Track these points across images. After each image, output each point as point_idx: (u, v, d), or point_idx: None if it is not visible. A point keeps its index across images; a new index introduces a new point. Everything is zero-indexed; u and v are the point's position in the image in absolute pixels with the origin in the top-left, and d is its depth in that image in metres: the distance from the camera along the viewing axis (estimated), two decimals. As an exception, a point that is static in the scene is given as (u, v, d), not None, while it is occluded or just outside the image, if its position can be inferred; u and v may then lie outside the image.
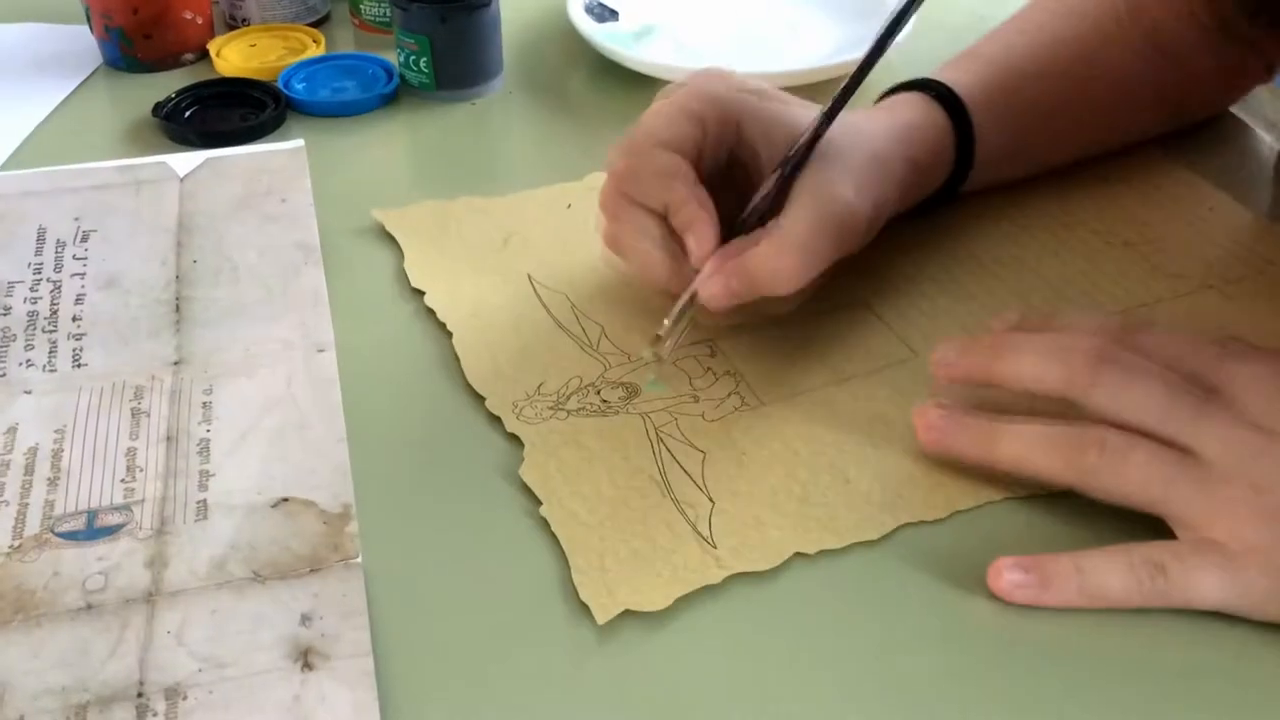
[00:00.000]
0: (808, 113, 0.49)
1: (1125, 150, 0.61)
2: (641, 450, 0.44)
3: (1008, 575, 0.39)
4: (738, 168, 0.49)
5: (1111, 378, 0.40)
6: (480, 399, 0.47)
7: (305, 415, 0.45)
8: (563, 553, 0.40)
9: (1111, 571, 0.38)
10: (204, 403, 0.46)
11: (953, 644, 0.38)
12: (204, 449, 0.44)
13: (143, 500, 0.41)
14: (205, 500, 0.41)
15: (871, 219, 0.48)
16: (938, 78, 0.54)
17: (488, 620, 0.39)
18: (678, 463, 0.44)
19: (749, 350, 0.49)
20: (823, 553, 0.40)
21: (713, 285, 0.45)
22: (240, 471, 0.42)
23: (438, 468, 0.44)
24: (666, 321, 0.46)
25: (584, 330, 0.50)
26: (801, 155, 0.46)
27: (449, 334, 0.50)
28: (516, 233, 0.57)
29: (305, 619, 0.37)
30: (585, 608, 0.38)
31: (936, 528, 0.41)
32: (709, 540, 0.40)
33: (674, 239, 0.46)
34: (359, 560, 0.39)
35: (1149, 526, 0.39)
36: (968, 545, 0.41)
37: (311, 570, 0.39)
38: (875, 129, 0.50)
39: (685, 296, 0.46)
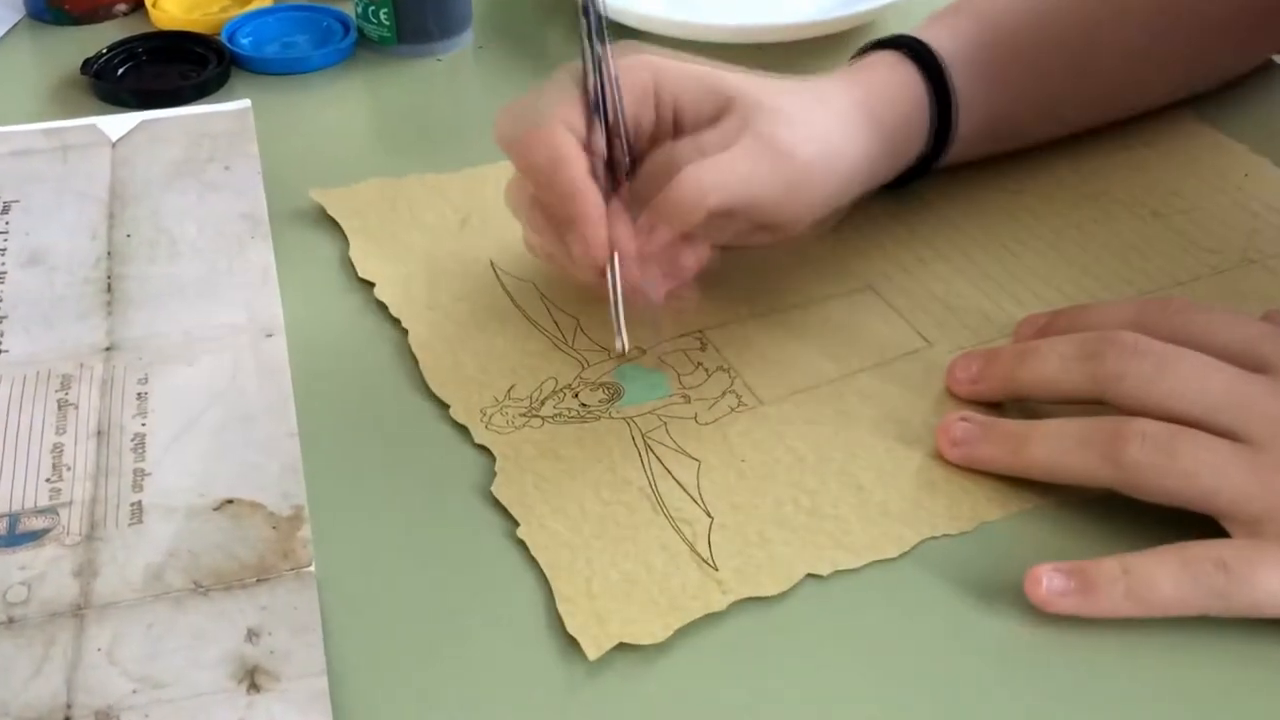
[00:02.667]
0: (741, 75, 0.47)
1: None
2: (628, 460, 0.44)
3: (1047, 582, 0.38)
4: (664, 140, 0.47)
5: (1142, 366, 0.40)
6: (419, 397, 0.46)
7: (252, 407, 0.44)
8: (544, 575, 0.40)
9: (1163, 572, 0.38)
10: (139, 393, 0.45)
11: (985, 671, 0.37)
12: (139, 445, 0.43)
13: (70, 502, 0.41)
14: (140, 502, 0.41)
15: (824, 175, 0.47)
16: (918, 35, 0.53)
17: (459, 641, 0.38)
18: (669, 473, 0.43)
19: (742, 343, 0.49)
20: (837, 572, 0.40)
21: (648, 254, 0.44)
22: (179, 470, 0.42)
23: (402, 468, 0.44)
24: (614, 324, 0.45)
25: (557, 324, 0.50)
26: (600, 87, 0.45)
27: (404, 331, 0.49)
28: (475, 213, 0.56)
29: (252, 634, 0.37)
30: (572, 638, 0.37)
31: (961, 541, 0.41)
32: (709, 561, 0.40)
33: None
34: (312, 569, 0.38)
35: (1198, 532, 0.39)
36: (997, 560, 0.40)
37: (259, 580, 0.38)
38: (834, 87, 0.50)
39: (612, 290, 0.44)
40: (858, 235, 0.54)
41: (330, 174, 0.58)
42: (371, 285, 0.51)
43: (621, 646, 0.37)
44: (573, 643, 0.37)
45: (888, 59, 0.52)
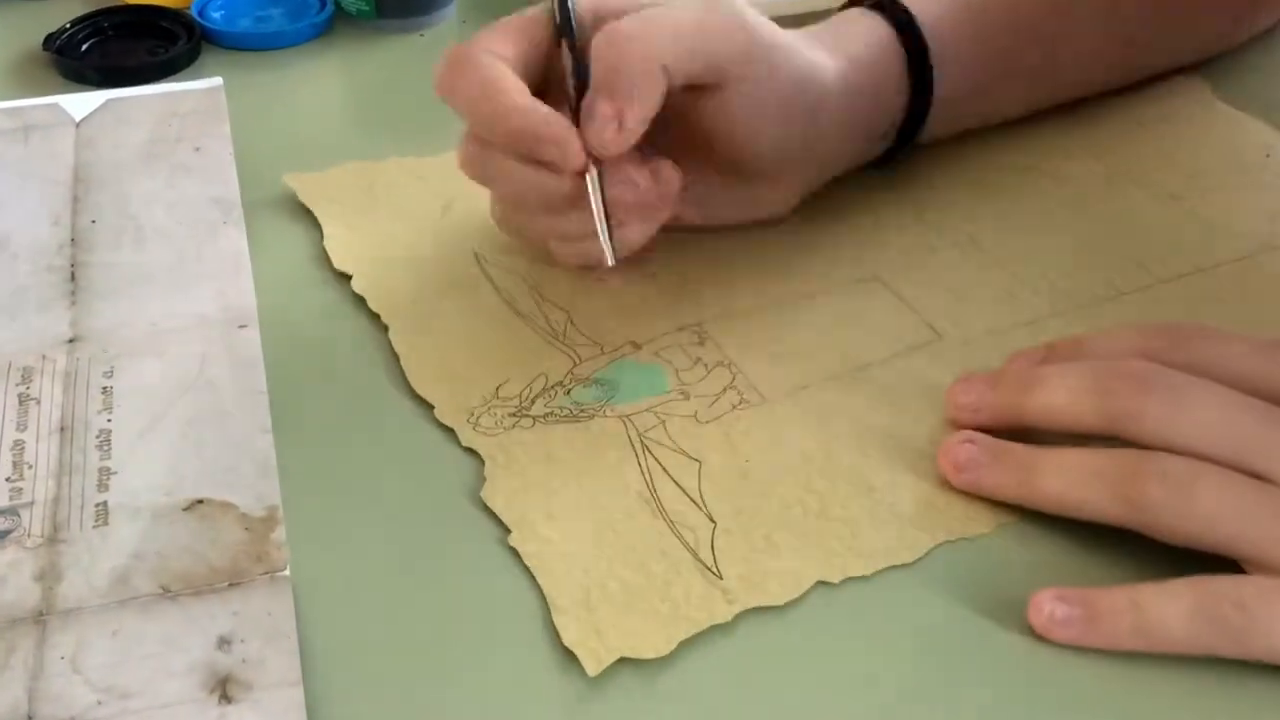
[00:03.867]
0: (687, 12, 0.46)
1: (1164, 84, 0.60)
2: (625, 462, 0.43)
3: (1050, 610, 0.38)
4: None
5: (1161, 404, 0.39)
6: (403, 396, 0.46)
7: (224, 402, 0.44)
8: (539, 585, 0.39)
9: (1176, 609, 0.37)
10: (104, 387, 0.45)
11: (1009, 684, 0.37)
12: (104, 442, 0.43)
13: (32, 503, 0.41)
14: (106, 502, 0.41)
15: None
16: None
17: (446, 653, 0.37)
18: (669, 475, 0.43)
19: (743, 336, 0.48)
20: (849, 579, 0.39)
21: (594, 134, 0.43)
22: (147, 468, 0.42)
23: (384, 468, 0.43)
24: (600, 235, 0.45)
25: (546, 318, 0.49)
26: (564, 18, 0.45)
27: (385, 326, 0.49)
28: (458, 199, 0.55)
29: (223, 642, 0.36)
30: (569, 652, 0.37)
31: (979, 545, 0.41)
32: (713, 569, 0.39)
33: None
34: (287, 573, 0.38)
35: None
36: (1018, 565, 0.40)
37: (231, 584, 0.38)
38: (797, 34, 0.50)
39: (594, 198, 0.44)
40: (861, 220, 0.54)
41: (306, 155, 0.57)
42: (348, 277, 0.51)
43: (622, 660, 0.37)
44: (570, 656, 0.37)
45: (859, 14, 0.53)
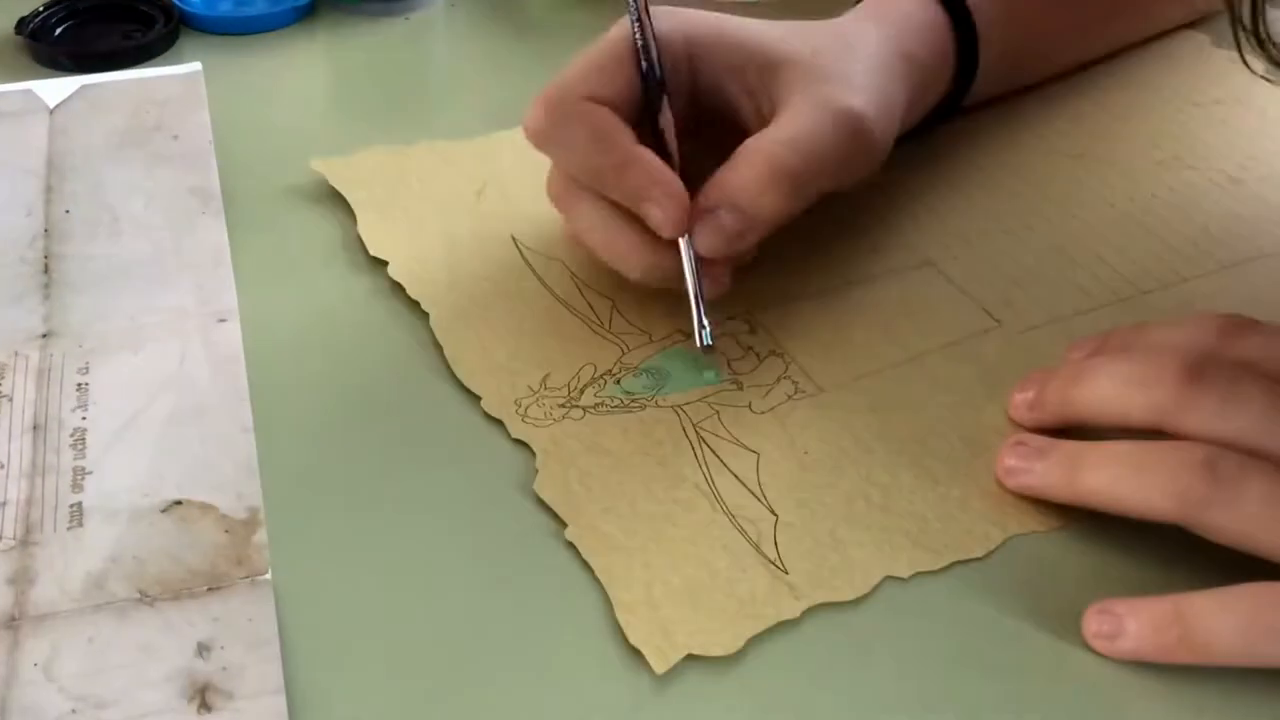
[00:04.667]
0: (774, 31, 0.48)
1: (1218, 65, 0.60)
2: (680, 453, 0.43)
3: (1095, 625, 0.37)
4: (706, 119, 0.48)
5: (1209, 396, 0.39)
6: (445, 387, 0.46)
7: (203, 400, 0.44)
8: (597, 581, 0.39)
9: (1228, 622, 0.36)
10: (79, 384, 0.44)
11: (1088, 678, 0.37)
12: (79, 441, 0.42)
13: (4, 503, 0.40)
14: (80, 504, 0.40)
15: (881, 122, 0.48)
16: None
17: (465, 653, 0.37)
18: (726, 467, 0.43)
19: (795, 325, 0.48)
20: (918, 574, 0.39)
21: (706, 236, 0.44)
22: (123, 468, 0.42)
23: (374, 466, 0.43)
24: (696, 320, 0.45)
25: (590, 306, 0.49)
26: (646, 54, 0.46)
27: (424, 314, 0.48)
28: (490, 183, 0.55)
29: (203, 649, 0.36)
30: (635, 650, 0.37)
31: (1051, 538, 0.41)
32: (778, 564, 0.39)
33: (634, 219, 0.45)
34: (268, 577, 0.38)
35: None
36: (1092, 558, 0.40)
37: (210, 589, 0.38)
38: (863, 28, 0.51)
39: (689, 275, 0.45)
40: (910, 206, 0.54)
41: (289, 144, 0.57)
42: (384, 264, 0.51)
43: (690, 658, 0.37)
44: (636, 655, 0.37)
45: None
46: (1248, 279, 0.50)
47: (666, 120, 0.46)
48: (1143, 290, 0.50)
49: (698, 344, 0.45)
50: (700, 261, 0.45)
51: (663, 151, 0.46)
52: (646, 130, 0.46)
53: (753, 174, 0.44)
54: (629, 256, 0.46)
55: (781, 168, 0.44)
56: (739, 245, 0.45)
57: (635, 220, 0.45)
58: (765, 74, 0.47)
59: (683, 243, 0.45)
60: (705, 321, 0.45)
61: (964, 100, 0.56)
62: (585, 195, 0.46)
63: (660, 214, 0.44)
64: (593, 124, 0.44)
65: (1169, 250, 0.52)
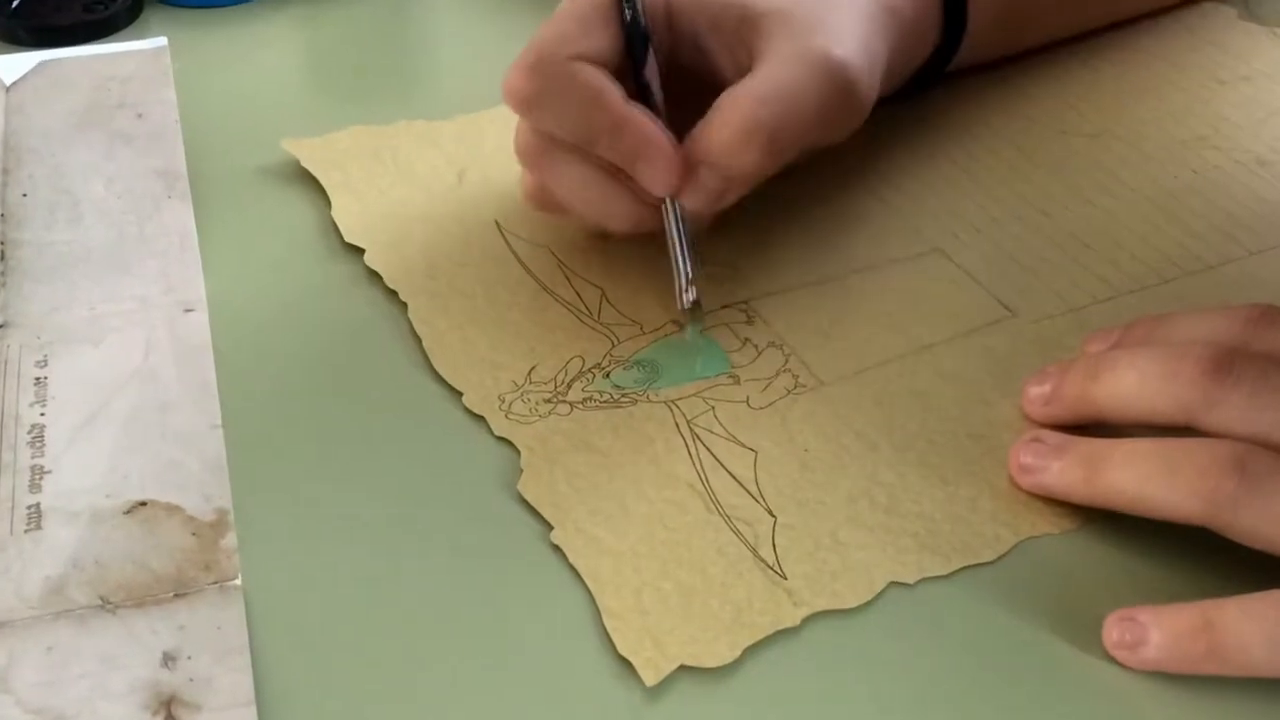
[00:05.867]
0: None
1: (1245, 41, 0.60)
2: (673, 451, 0.43)
3: (1117, 634, 0.37)
4: (681, 73, 0.49)
5: (1238, 391, 0.38)
6: (425, 381, 0.46)
7: (169, 394, 0.44)
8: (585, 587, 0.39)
9: (1257, 630, 0.36)
10: (37, 378, 0.44)
11: (1105, 689, 0.37)
12: (37, 438, 0.42)
13: None
14: (39, 504, 0.40)
15: (864, 73, 0.48)
16: None
17: (424, 664, 0.37)
18: (722, 466, 0.42)
19: (795, 315, 0.48)
20: (925, 579, 0.39)
21: (689, 195, 0.45)
22: (84, 467, 0.41)
23: (341, 464, 0.43)
24: (678, 272, 0.45)
25: (579, 295, 0.49)
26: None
27: (403, 304, 0.48)
28: (472, 166, 0.55)
29: (168, 659, 0.36)
30: (625, 661, 0.37)
31: (1067, 540, 0.41)
32: (776, 568, 0.39)
33: (620, 176, 0.46)
34: (238, 583, 0.38)
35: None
36: (1110, 562, 0.40)
37: (176, 595, 0.38)
38: None
39: (671, 231, 0.45)
40: (914, 189, 0.54)
41: (260, 123, 0.57)
42: (360, 251, 0.51)
43: (682, 669, 0.37)
44: (626, 666, 0.37)
45: None
46: (1277, 266, 0.50)
47: (652, 72, 0.47)
48: (1165, 278, 0.50)
49: (679, 305, 0.45)
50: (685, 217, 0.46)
51: (649, 105, 0.46)
52: (630, 84, 0.46)
53: (729, 130, 0.44)
54: (617, 212, 0.46)
55: (759, 122, 0.44)
56: (721, 203, 0.46)
57: (620, 174, 0.45)
58: (744, 26, 0.47)
59: (668, 200, 0.45)
60: (690, 279, 0.45)
61: (951, 63, 0.56)
62: (566, 155, 0.46)
63: (653, 174, 0.44)
64: (584, 85, 0.44)
65: (1192, 236, 0.52)
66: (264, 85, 0.61)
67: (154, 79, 0.58)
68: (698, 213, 0.46)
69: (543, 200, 0.48)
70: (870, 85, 0.48)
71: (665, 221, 0.46)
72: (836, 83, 0.46)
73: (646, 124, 0.44)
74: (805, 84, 0.46)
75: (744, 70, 0.47)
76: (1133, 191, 0.54)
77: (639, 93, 0.46)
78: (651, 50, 0.47)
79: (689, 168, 0.45)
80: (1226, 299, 0.48)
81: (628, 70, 0.47)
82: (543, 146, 0.46)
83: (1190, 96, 0.59)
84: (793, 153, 0.47)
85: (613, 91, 0.45)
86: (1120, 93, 0.59)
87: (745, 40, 0.47)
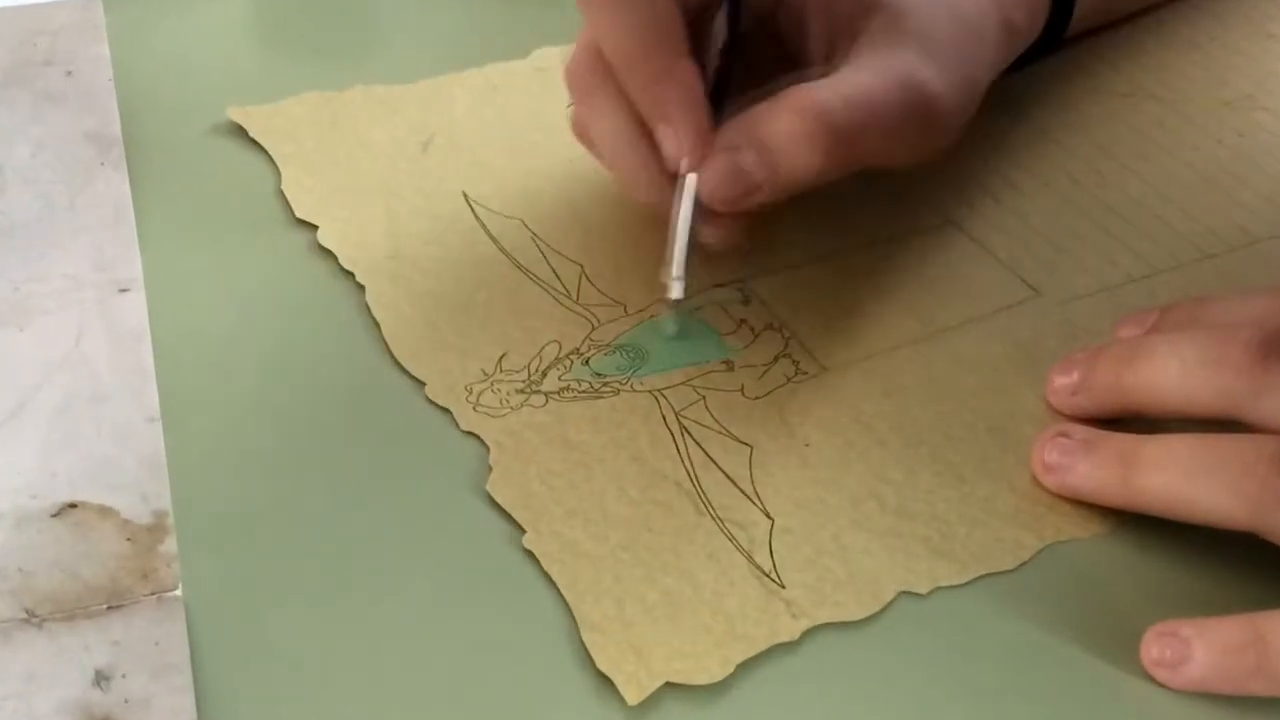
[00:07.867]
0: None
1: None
2: (659, 445, 0.43)
3: (1156, 651, 0.37)
4: (760, 40, 0.49)
5: None
6: (386, 369, 0.46)
7: (102, 384, 0.44)
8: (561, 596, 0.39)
9: None
10: None
11: (1133, 708, 0.37)
12: None
13: None
14: None
15: (955, 101, 0.48)
16: None
17: (384, 682, 0.37)
18: (713, 462, 0.42)
19: (796, 295, 0.48)
20: (939, 589, 0.39)
21: (717, 176, 0.44)
22: (7, 465, 0.41)
23: (292, 461, 0.43)
24: (670, 259, 0.45)
25: (555, 272, 0.49)
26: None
27: (360, 286, 0.48)
28: (439, 133, 0.55)
29: (101, 677, 0.36)
30: (604, 677, 0.37)
31: (1095, 545, 0.41)
32: (772, 576, 0.39)
33: (652, 141, 0.46)
34: (178, 594, 0.38)
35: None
36: (1142, 567, 0.40)
37: (110, 607, 0.38)
38: None
39: (678, 210, 0.45)
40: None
41: (204, 85, 0.57)
42: (313, 228, 0.51)
43: (668, 686, 0.37)
44: (606, 683, 0.37)
45: None
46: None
47: (719, 26, 0.46)
48: (1207, 254, 0.50)
49: (668, 294, 0.45)
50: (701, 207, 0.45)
51: (702, 59, 0.46)
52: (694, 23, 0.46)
53: (795, 119, 0.44)
54: (642, 178, 0.46)
55: (831, 122, 0.44)
56: (750, 198, 0.45)
57: (639, 131, 0.45)
58: (856, 17, 0.47)
59: (687, 178, 0.44)
60: (682, 271, 0.45)
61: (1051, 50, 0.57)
62: (607, 86, 0.45)
63: (674, 143, 0.44)
64: (654, 8, 0.44)
65: (1237, 207, 0.52)
66: (208, 42, 0.61)
67: (85, 33, 0.59)
68: (725, 236, 0.46)
69: (581, 132, 0.48)
70: (959, 112, 0.49)
71: (674, 199, 0.45)
72: (919, 108, 0.46)
73: (690, 86, 0.44)
74: (887, 99, 0.45)
75: (827, 61, 0.47)
76: (1171, 156, 0.54)
77: (697, 42, 0.46)
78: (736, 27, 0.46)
79: (722, 148, 0.44)
80: (1275, 277, 0.48)
81: (705, 22, 0.46)
82: (591, 76, 0.46)
83: (1237, 52, 0.59)
84: (846, 169, 0.46)
85: (675, 32, 0.44)
86: (1159, 48, 0.59)
87: (849, 29, 0.47)
